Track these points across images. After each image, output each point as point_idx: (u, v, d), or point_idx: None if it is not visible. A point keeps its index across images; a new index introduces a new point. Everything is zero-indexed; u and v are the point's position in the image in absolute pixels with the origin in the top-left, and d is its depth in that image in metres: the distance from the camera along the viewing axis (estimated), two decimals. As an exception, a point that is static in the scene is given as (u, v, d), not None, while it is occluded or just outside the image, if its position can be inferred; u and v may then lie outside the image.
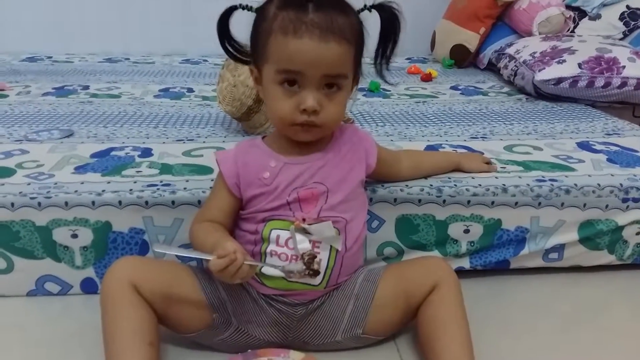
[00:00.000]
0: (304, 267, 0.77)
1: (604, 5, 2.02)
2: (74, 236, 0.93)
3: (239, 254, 0.69)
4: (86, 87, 1.73)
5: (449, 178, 1.02)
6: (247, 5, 0.79)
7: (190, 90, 1.74)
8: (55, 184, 0.96)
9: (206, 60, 2.25)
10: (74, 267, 0.95)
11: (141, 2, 2.40)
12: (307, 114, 0.75)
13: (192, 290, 0.80)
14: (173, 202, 0.93)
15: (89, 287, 0.97)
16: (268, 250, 0.79)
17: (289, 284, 0.79)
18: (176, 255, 0.92)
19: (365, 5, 0.78)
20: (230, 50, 0.82)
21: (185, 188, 0.95)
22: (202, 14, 2.53)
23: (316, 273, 0.78)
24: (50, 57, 2.23)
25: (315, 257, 0.78)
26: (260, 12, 0.78)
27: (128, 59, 2.26)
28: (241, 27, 0.80)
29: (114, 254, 0.95)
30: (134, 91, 1.71)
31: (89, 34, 2.40)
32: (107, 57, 2.25)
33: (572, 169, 1.09)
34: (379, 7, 0.79)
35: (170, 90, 1.74)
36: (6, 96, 1.60)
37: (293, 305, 0.81)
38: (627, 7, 1.98)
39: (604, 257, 1.07)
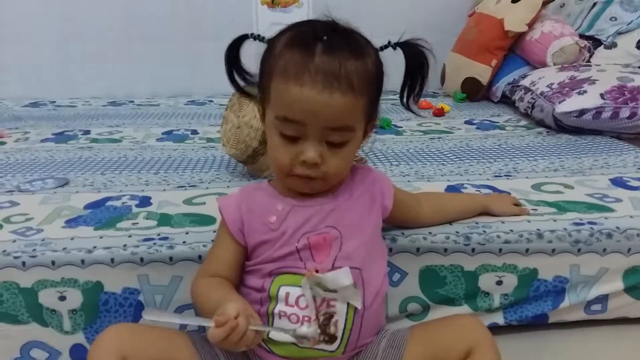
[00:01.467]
0: (319, 331, 0.67)
1: (619, 33, 1.95)
2: (62, 298, 0.84)
3: (241, 318, 0.60)
4: (87, 132, 1.67)
5: (477, 223, 0.93)
6: (258, 35, 0.73)
7: (195, 132, 1.68)
8: (43, 240, 0.88)
9: (212, 101, 2.19)
10: (63, 332, 0.86)
11: (145, 43, 2.37)
12: (307, 166, 0.68)
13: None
14: (171, 259, 0.84)
15: (79, 353, 0.87)
16: (276, 310, 0.70)
17: (301, 350, 0.69)
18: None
19: (389, 42, 0.72)
20: (237, 81, 0.75)
21: (184, 242, 0.86)
22: (207, 53, 2.56)
23: (333, 338, 0.68)
24: (54, 102, 2.19)
25: (333, 316, 0.68)
26: (269, 45, 0.71)
27: (132, 101, 2.21)
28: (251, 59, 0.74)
29: (106, 317, 0.85)
30: (136, 135, 1.64)
31: (93, 77, 2.37)
32: (111, 101, 2.21)
33: (611, 210, 0.99)
34: (403, 45, 0.72)
35: (174, 132, 1.67)
36: (4, 144, 1.53)
37: (306, 377, 0.70)
38: (644, 34, 1.91)
39: (653, 307, 0.96)
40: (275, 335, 0.68)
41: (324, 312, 0.68)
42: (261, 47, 0.72)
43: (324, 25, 0.68)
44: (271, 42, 0.71)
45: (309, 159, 0.67)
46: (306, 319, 0.68)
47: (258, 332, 0.62)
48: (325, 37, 0.66)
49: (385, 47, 0.72)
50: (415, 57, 0.72)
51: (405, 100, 0.76)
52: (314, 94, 0.64)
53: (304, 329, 0.66)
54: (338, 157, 0.69)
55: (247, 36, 0.73)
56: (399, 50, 0.73)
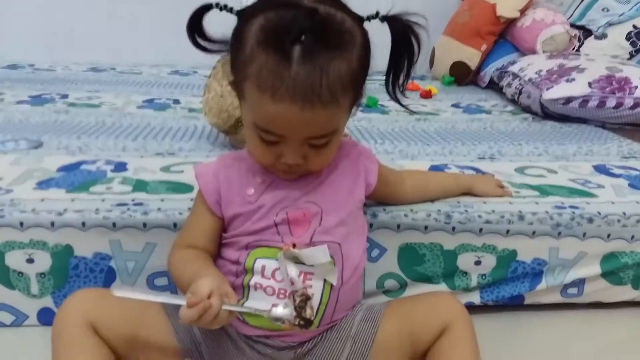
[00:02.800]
0: (294, 313, 0.64)
1: (609, 24, 1.95)
2: (30, 261, 0.81)
3: (214, 298, 0.57)
4: (65, 96, 1.62)
5: (459, 202, 0.91)
6: (225, 6, 0.65)
7: (177, 101, 1.63)
8: (12, 200, 0.84)
9: (196, 72, 2.14)
10: (30, 295, 0.83)
11: (131, 12, 2.31)
12: (289, 166, 0.65)
13: (161, 331, 0.68)
14: (145, 225, 0.82)
15: (46, 318, 0.84)
16: (252, 282, 0.68)
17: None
18: (146, 284, 0.80)
19: (377, 13, 0.64)
20: (202, 46, 0.67)
21: (159, 208, 0.84)
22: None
23: (308, 323, 0.65)
24: (32, 65, 2.11)
25: (310, 299, 0.65)
26: (239, 29, 0.62)
27: (114, 69, 2.15)
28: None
29: (76, 282, 0.83)
30: (116, 101, 1.59)
31: (76, 43, 2.31)
32: (92, 67, 2.15)
33: (593, 195, 0.98)
34: (390, 20, 0.64)
35: (155, 101, 1.63)
36: (-23, 104, 1.48)
37: (279, 348, 0.69)
38: (634, 26, 1.91)
39: (628, 293, 0.97)
40: (250, 300, 0.67)
41: (300, 293, 0.65)
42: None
43: (302, 16, 0.58)
44: (241, 25, 0.62)
45: (291, 162, 0.64)
46: (282, 291, 0.67)
47: (232, 312, 0.60)
48: (303, 37, 0.57)
49: (373, 17, 0.64)
50: (403, 35, 0.64)
51: (390, 86, 0.68)
52: (294, 111, 0.58)
53: (280, 311, 0.63)
54: (322, 154, 0.66)
55: (211, 6, 0.66)
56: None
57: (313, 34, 0.57)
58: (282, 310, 0.63)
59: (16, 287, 0.82)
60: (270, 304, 0.64)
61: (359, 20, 0.63)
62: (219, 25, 0.67)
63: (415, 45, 0.65)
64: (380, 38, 0.66)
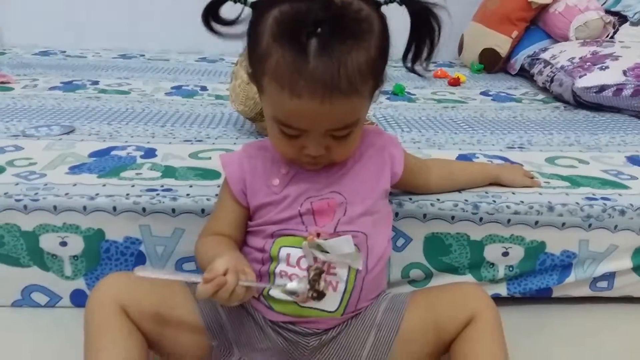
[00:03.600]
0: (308, 286, 0.64)
1: (646, 10, 1.88)
2: (63, 244, 0.84)
3: (230, 275, 0.58)
4: (95, 83, 1.65)
5: (487, 193, 0.90)
6: None
7: (204, 88, 1.65)
8: (46, 185, 0.86)
9: (223, 59, 2.16)
10: (63, 277, 0.86)
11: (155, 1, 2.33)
12: (312, 157, 0.65)
13: (188, 313, 0.69)
14: (173, 210, 0.83)
15: (79, 299, 0.87)
16: (277, 270, 0.69)
17: (301, 309, 0.68)
18: (175, 268, 0.82)
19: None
20: (216, 30, 0.66)
21: (188, 194, 0.85)
22: (221, 10, 2.50)
23: (321, 295, 0.64)
24: (64, 52, 2.15)
25: (323, 273, 0.65)
26: (254, 22, 0.62)
27: (143, 55, 2.17)
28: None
29: (107, 265, 0.85)
30: (145, 88, 1.62)
31: (105, 30, 2.33)
32: (122, 54, 2.17)
33: (626, 187, 0.96)
34: (408, 2, 0.63)
35: (183, 87, 1.65)
36: (11, 89, 1.52)
37: (304, 334, 0.69)
38: (673, 12, 1.84)
39: (660, 288, 0.95)
40: (272, 291, 0.67)
41: (314, 267, 0.65)
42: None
43: (317, 8, 0.57)
44: (256, 18, 0.61)
45: (313, 154, 0.64)
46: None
47: (249, 288, 0.61)
48: (319, 30, 0.56)
49: (390, 1, 0.63)
50: (422, 16, 0.63)
51: (409, 64, 0.66)
52: (314, 106, 0.58)
53: (294, 284, 0.64)
54: (344, 144, 0.66)
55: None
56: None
57: (329, 26, 0.57)
58: (297, 284, 0.64)
59: (50, 269, 0.85)
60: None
61: (376, 5, 0.62)
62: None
63: (436, 27, 0.63)
64: (401, 22, 0.65)
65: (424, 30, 0.64)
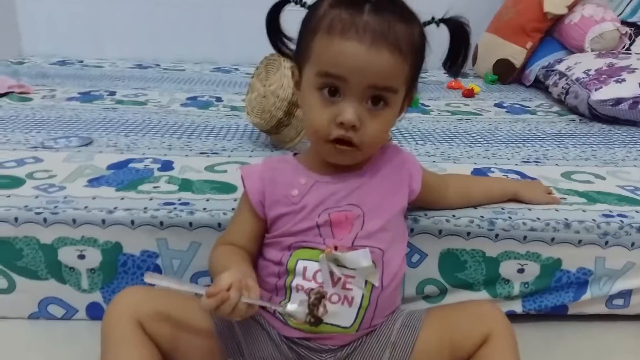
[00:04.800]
0: (307, 311, 0.65)
1: (663, 21, 1.87)
2: (81, 257, 0.85)
3: (233, 291, 0.59)
4: (113, 93, 1.67)
5: (502, 209, 0.90)
6: (299, 0, 0.70)
7: (219, 99, 1.66)
8: (65, 197, 0.88)
9: (237, 69, 2.17)
10: (80, 290, 0.87)
11: (174, 8, 2.36)
12: (345, 128, 0.65)
13: (204, 329, 0.70)
14: (190, 224, 0.84)
15: (95, 312, 0.88)
16: (293, 284, 0.69)
17: (316, 325, 0.68)
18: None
19: (433, 18, 0.69)
20: (278, 44, 0.73)
21: (205, 208, 0.86)
22: (235, 21, 2.53)
23: (318, 321, 0.66)
24: (81, 61, 2.19)
25: (323, 297, 0.66)
26: (311, 8, 0.68)
27: (159, 65, 2.20)
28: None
29: (124, 278, 0.86)
30: (161, 99, 1.64)
31: (122, 39, 2.37)
32: (138, 63, 2.20)
33: (643, 204, 0.95)
34: (447, 21, 0.70)
35: (199, 98, 1.66)
36: (30, 99, 1.54)
37: (319, 351, 0.70)
38: (689, 23, 1.83)
39: (677, 306, 0.93)
40: (291, 303, 0.68)
41: (316, 291, 0.66)
42: (300, 15, 0.70)
43: None
44: (314, 5, 0.68)
45: (347, 120, 0.64)
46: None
47: (251, 305, 0.62)
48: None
49: (429, 23, 0.69)
50: (461, 33, 0.70)
51: (449, 67, 0.73)
52: (362, 50, 0.62)
53: (292, 307, 0.65)
54: (377, 122, 0.66)
55: (288, 1, 0.70)
56: (435, 30, 0.70)
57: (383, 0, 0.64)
58: (295, 307, 0.64)
59: (68, 281, 0.86)
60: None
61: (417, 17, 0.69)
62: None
63: (469, 39, 0.71)
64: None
65: (461, 42, 0.71)
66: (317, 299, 0.65)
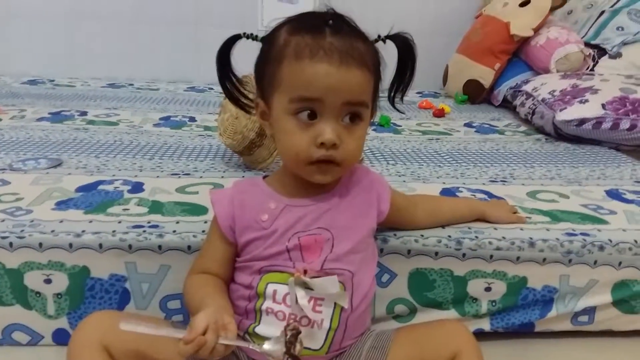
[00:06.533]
0: (284, 349, 0.64)
1: (624, 43, 1.95)
2: (48, 281, 0.83)
3: (209, 334, 0.59)
4: (84, 113, 1.65)
5: (469, 228, 0.92)
6: (251, 34, 0.71)
7: (193, 119, 1.66)
8: (32, 221, 0.87)
9: (212, 89, 2.18)
10: (46, 316, 0.85)
11: (149, 27, 2.36)
12: (326, 148, 0.66)
13: (172, 354, 0.69)
14: (160, 247, 0.83)
15: (61, 338, 0.86)
16: (263, 307, 0.69)
17: (285, 348, 0.68)
18: (159, 306, 0.82)
19: (379, 36, 0.71)
20: (229, 89, 0.74)
21: (174, 231, 0.85)
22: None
23: None
24: (53, 81, 2.17)
25: (299, 334, 0.65)
26: (268, 40, 0.70)
27: (132, 84, 2.19)
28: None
29: (91, 303, 0.85)
30: (134, 119, 1.63)
31: (95, 58, 2.35)
32: (111, 82, 2.19)
33: (605, 222, 0.98)
34: (393, 38, 0.71)
35: (172, 118, 1.66)
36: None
37: (289, 374, 0.70)
38: (650, 46, 1.91)
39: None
40: (262, 325, 0.69)
41: (292, 327, 0.66)
42: (252, 48, 0.71)
43: (325, 13, 0.68)
44: (270, 37, 0.69)
45: (327, 140, 0.65)
46: (292, 316, 0.68)
47: (228, 345, 0.61)
48: (331, 22, 0.66)
49: (375, 41, 0.71)
50: (407, 49, 0.72)
51: (392, 94, 0.74)
52: (333, 69, 0.63)
53: (270, 346, 0.64)
54: (354, 137, 0.68)
55: (239, 36, 0.71)
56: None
57: (339, 20, 0.67)
58: (272, 346, 0.64)
59: (33, 307, 0.84)
60: (281, 329, 0.66)
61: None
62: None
63: (415, 55, 0.72)
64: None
65: (408, 58, 0.72)
66: (293, 336, 0.65)
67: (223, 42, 0.71)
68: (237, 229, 0.72)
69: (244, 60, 0.74)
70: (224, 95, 0.76)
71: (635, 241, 0.92)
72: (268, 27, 0.70)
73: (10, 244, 0.82)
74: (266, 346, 0.64)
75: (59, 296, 0.84)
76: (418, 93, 2.25)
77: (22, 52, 2.31)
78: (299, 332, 0.65)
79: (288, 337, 0.64)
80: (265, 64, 0.69)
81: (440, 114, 1.89)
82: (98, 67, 2.32)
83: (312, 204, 0.72)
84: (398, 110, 0.77)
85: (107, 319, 0.69)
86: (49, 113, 1.63)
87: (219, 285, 0.72)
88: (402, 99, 0.75)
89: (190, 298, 0.70)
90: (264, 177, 0.78)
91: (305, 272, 0.68)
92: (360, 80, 0.66)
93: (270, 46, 0.68)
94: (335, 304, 0.69)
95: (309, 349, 0.69)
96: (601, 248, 0.91)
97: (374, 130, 1.62)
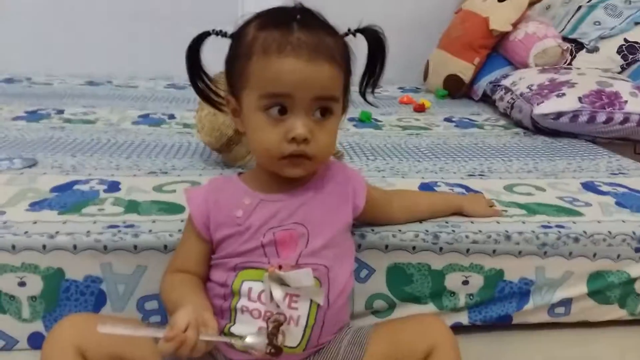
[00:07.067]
0: (267, 341, 0.64)
1: (601, 38, 1.97)
2: (22, 284, 0.82)
3: (190, 331, 0.59)
4: (61, 112, 1.63)
5: (446, 222, 0.92)
6: (220, 31, 0.70)
7: (172, 116, 1.65)
8: (5, 223, 0.85)
9: (192, 85, 2.15)
10: (21, 319, 0.84)
11: (128, 23, 2.33)
12: (297, 143, 0.66)
13: (150, 355, 0.69)
14: (135, 247, 0.83)
15: (37, 342, 0.84)
16: (239, 305, 0.69)
17: (263, 346, 0.68)
18: (136, 307, 0.81)
19: (349, 29, 0.70)
20: (200, 87, 0.73)
21: (150, 230, 0.85)
22: (190, 36, 2.51)
23: (279, 351, 0.65)
24: (29, 79, 2.13)
25: (281, 325, 0.66)
26: (236, 36, 0.69)
27: (110, 82, 2.16)
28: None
29: (66, 305, 0.83)
30: (112, 116, 1.61)
31: (73, 54, 2.31)
32: (89, 80, 2.16)
33: (580, 214, 0.99)
34: (363, 31, 0.71)
35: (151, 116, 1.64)
36: (-27, 120, 1.49)
37: (267, 373, 0.69)
38: (625, 40, 1.94)
39: (615, 312, 0.98)
40: (237, 324, 0.68)
41: (273, 319, 0.66)
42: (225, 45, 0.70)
43: (293, 8, 0.68)
44: (238, 33, 0.69)
45: (298, 134, 0.65)
46: (268, 314, 0.68)
47: (209, 342, 0.61)
48: (298, 16, 0.66)
49: (345, 35, 0.70)
50: (377, 42, 0.71)
51: (363, 88, 0.74)
52: (301, 64, 0.63)
53: (252, 340, 0.64)
54: (326, 132, 0.67)
55: (208, 33, 0.70)
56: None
57: (306, 14, 0.67)
58: (255, 339, 0.64)
59: (7, 311, 0.83)
60: (256, 327, 0.66)
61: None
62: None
63: (386, 48, 0.72)
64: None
65: (378, 52, 0.72)
66: (275, 327, 0.65)
67: (192, 39, 0.70)
68: (212, 225, 0.72)
69: (218, 58, 0.74)
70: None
71: (610, 232, 0.93)
72: (236, 23, 0.70)
73: (-18, 247, 0.80)
74: (248, 339, 0.64)
75: (34, 299, 0.83)
76: (399, 88, 2.26)
77: (-1, 50, 2.27)
78: (281, 324, 0.65)
79: (270, 328, 0.64)
80: (234, 61, 0.69)
81: (420, 109, 1.89)
82: (75, 65, 2.28)
83: (286, 199, 0.72)
84: (370, 104, 0.77)
85: (82, 322, 0.68)
86: (25, 112, 1.60)
87: (197, 283, 0.72)
88: (372, 92, 0.75)
89: (168, 297, 0.70)
90: (239, 174, 0.78)
91: (280, 267, 0.68)
92: (330, 75, 0.66)
93: (239, 42, 0.68)
94: (311, 300, 0.69)
95: (287, 346, 0.68)
96: (576, 240, 0.92)
97: (354, 125, 1.62)
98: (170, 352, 0.58)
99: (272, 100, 0.65)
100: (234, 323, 0.69)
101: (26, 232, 0.83)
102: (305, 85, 0.64)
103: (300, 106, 0.65)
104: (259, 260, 0.69)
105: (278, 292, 0.67)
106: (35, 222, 0.86)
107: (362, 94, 0.74)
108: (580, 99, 1.55)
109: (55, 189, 1.00)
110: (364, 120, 1.68)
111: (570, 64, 1.95)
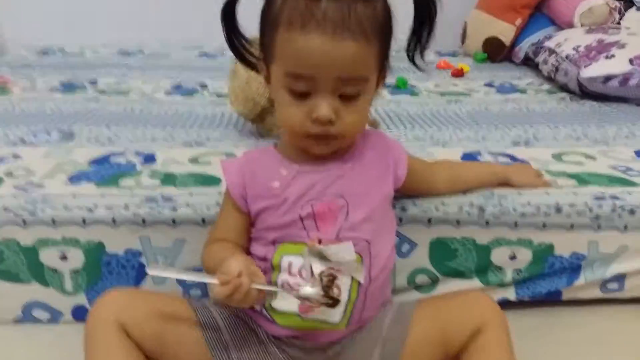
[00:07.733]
0: (322, 293, 0.63)
1: (653, -7, 1.85)
2: (64, 258, 0.83)
3: (244, 277, 0.59)
4: (94, 82, 1.63)
5: (492, 194, 0.88)
6: None
7: (204, 86, 1.63)
8: (44, 196, 0.85)
9: (224, 54, 2.12)
10: (64, 292, 0.85)
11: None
12: (321, 123, 0.63)
13: (190, 332, 0.69)
14: (174, 221, 0.82)
15: (81, 315, 0.86)
16: (279, 280, 0.68)
17: (304, 322, 0.67)
18: (177, 281, 0.81)
19: None
20: (238, 47, 0.70)
21: (188, 204, 0.83)
22: (222, 4, 2.47)
23: (335, 302, 0.64)
24: (62, 49, 2.13)
25: (336, 278, 0.64)
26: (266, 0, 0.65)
27: (142, 51, 2.15)
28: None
29: (108, 279, 0.84)
30: (144, 87, 1.60)
31: (104, 24, 2.31)
32: (121, 50, 2.15)
33: (635, 184, 0.94)
34: None
35: (184, 86, 1.62)
36: (9, 92, 1.50)
37: (308, 350, 0.69)
38: (681, -5, 1.81)
39: (672, 288, 0.93)
40: (278, 300, 0.66)
41: (327, 273, 0.65)
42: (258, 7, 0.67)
43: None
44: None
45: (322, 116, 0.62)
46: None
47: (261, 291, 0.61)
48: None
49: None
50: (424, 3, 0.66)
51: (412, 52, 0.69)
52: (323, 43, 0.59)
53: (308, 290, 0.63)
54: (353, 112, 0.64)
55: None
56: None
57: None
58: (310, 289, 0.63)
59: (50, 284, 0.84)
60: (297, 302, 0.64)
61: None
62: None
63: (435, 8, 0.66)
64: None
65: (425, 16, 0.66)
66: (329, 281, 0.64)
67: (224, 3, 0.67)
68: (249, 197, 0.70)
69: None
70: (234, 60, 0.73)
71: (668, 204, 0.88)
72: None
73: (24, 221, 0.81)
74: (303, 290, 0.63)
75: (76, 272, 0.84)
76: (436, 52, 2.17)
77: (30, 21, 2.28)
78: (335, 277, 0.64)
79: (324, 282, 0.63)
80: (264, 27, 0.66)
81: (459, 73, 1.82)
82: (108, 34, 2.27)
83: (324, 170, 0.69)
84: (418, 68, 0.71)
85: (124, 297, 0.68)
86: (60, 83, 1.60)
87: (239, 249, 0.71)
88: (422, 55, 0.70)
89: (212, 261, 0.68)
90: (275, 145, 0.75)
91: (320, 241, 0.66)
92: (356, 54, 0.61)
93: (268, 8, 0.65)
94: (352, 277, 0.67)
95: (328, 322, 0.67)
96: (632, 212, 0.87)
97: (390, 93, 1.57)
98: (224, 296, 0.58)
99: (295, 80, 0.62)
100: (275, 297, 0.68)
101: (65, 206, 0.82)
102: (328, 66, 0.60)
103: (324, 86, 0.62)
104: (297, 233, 0.67)
105: (318, 267, 0.65)
106: (74, 196, 0.85)
107: (411, 58, 0.69)
108: (631, 60, 1.45)
109: (92, 162, 1.00)
110: (400, 87, 1.63)
111: (619, 23, 1.84)
